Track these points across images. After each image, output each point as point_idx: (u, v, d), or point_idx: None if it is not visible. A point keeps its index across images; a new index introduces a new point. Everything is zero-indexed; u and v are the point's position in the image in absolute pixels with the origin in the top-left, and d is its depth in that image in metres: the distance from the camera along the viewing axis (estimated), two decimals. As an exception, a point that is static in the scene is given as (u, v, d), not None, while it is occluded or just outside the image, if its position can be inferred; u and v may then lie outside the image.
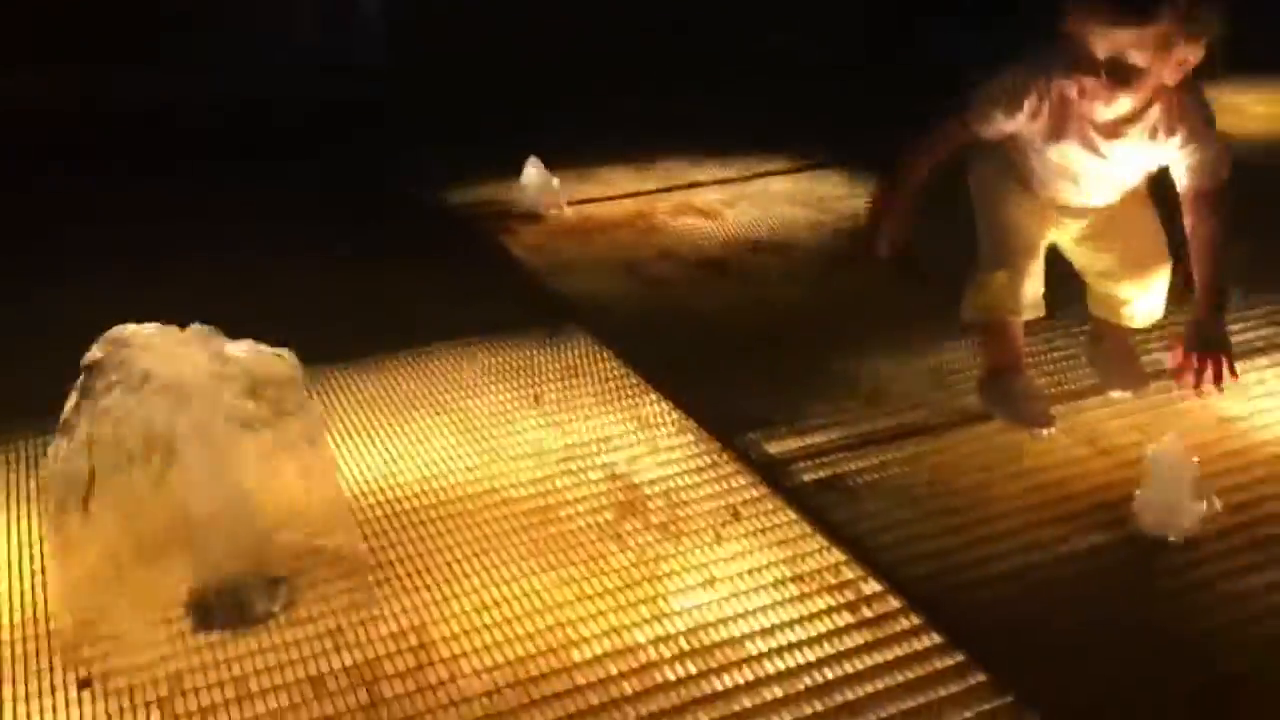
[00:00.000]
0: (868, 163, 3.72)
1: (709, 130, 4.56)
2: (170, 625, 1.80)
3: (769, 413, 2.40)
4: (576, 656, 1.74)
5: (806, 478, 2.20)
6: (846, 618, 1.81)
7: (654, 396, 2.50)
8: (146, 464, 1.73)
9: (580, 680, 1.69)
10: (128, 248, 3.45)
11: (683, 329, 2.88)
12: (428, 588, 1.90)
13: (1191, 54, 1.99)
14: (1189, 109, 2.08)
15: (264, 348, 1.81)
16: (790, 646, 1.75)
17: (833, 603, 1.84)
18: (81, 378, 1.75)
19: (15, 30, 5.48)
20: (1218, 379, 2.15)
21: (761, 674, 1.69)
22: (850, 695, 1.65)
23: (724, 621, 1.80)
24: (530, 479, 2.21)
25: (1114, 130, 2.11)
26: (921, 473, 2.20)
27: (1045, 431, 2.29)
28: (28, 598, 1.90)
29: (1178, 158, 2.13)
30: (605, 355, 2.71)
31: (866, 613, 1.81)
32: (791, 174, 4.07)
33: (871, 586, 1.87)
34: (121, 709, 1.66)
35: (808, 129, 4.52)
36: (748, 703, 1.64)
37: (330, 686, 1.69)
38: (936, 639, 1.75)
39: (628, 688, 1.68)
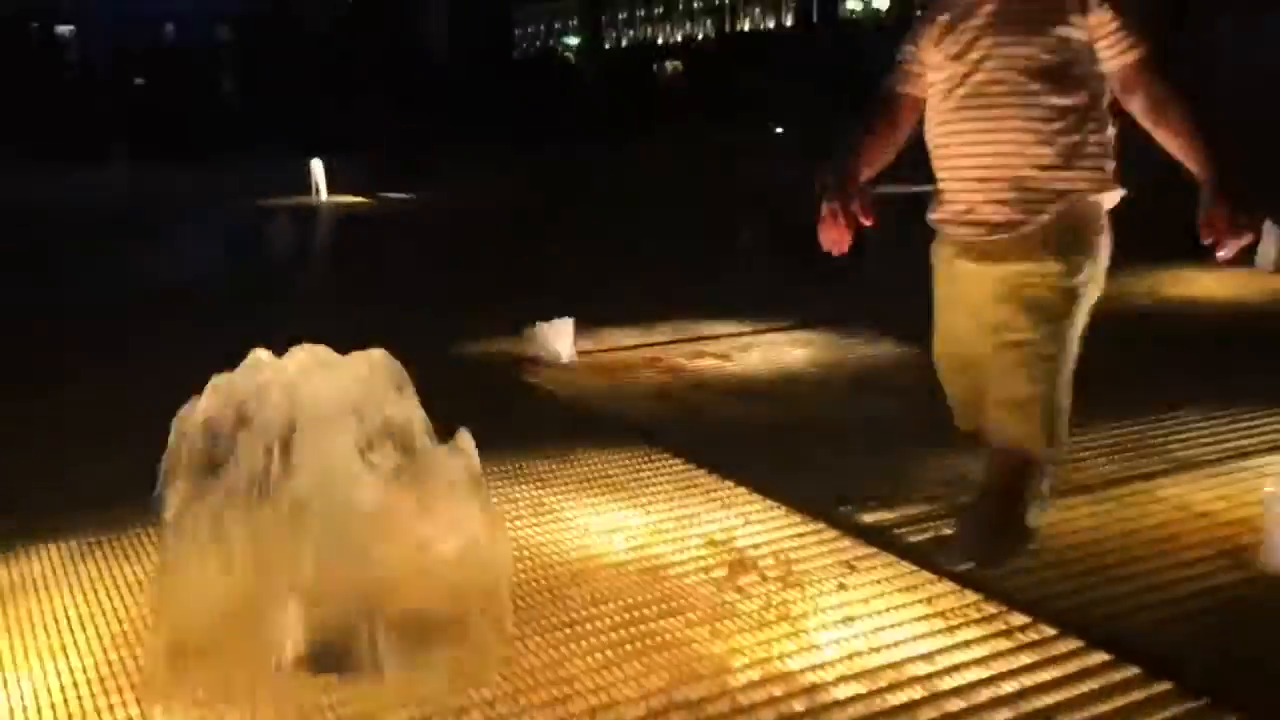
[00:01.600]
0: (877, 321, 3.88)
1: (715, 294, 4.66)
2: (290, 668, 1.64)
3: (852, 492, 2.36)
4: (733, 682, 1.63)
5: (914, 539, 2.14)
6: (1004, 643, 1.74)
7: (729, 484, 2.45)
8: (274, 508, 1.63)
9: (744, 701, 1.58)
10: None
11: (735, 438, 2.85)
12: (556, 629, 1.78)
13: None
14: None
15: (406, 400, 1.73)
16: (955, 667, 1.66)
17: (984, 632, 1.77)
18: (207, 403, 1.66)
19: None
20: (1251, 232, 1.83)
21: (936, 689, 1.60)
22: (1036, 704, 1.56)
23: (876, 650, 1.72)
24: (628, 548, 2.13)
25: (990, 4, 1.94)
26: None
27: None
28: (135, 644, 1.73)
29: (1089, 36, 1.90)
30: (663, 456, 2.66)
31: (1023, 638, 1.74)
32: (798, 330, 4.13)
33: (1018, 618, 1.81)
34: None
35: (811, 292, 4.63)
36: (933, 712, 1.54)
37: (475, 718, 1.55)
38: (1104, 657, 1.68)
39: (798, 706, 1.57)
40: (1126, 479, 2.46)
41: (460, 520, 1.67)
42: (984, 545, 1.98)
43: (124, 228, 8.65)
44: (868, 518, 2.24)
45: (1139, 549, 2.09)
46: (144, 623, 1.82)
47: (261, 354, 1.69)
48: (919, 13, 2.07)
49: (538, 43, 41.41)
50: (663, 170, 12.78)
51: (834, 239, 1.99)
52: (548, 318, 3.73)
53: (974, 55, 1.94)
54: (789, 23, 36.51)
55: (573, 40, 39.58)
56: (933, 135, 2.04)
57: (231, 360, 1.69)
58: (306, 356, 1.68)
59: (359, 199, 10.17)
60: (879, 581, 1.95)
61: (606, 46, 36.27)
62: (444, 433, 1.74)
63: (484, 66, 20.28)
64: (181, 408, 1.67)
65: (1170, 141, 1.88)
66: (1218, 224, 1.80)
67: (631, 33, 40.34)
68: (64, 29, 28.91)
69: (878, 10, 31.84)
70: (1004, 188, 1.93)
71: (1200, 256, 2.17)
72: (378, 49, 21.26)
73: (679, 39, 39.57)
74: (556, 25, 41.55)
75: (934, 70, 2.01)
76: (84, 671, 1.71)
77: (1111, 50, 1.89)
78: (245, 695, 1.58)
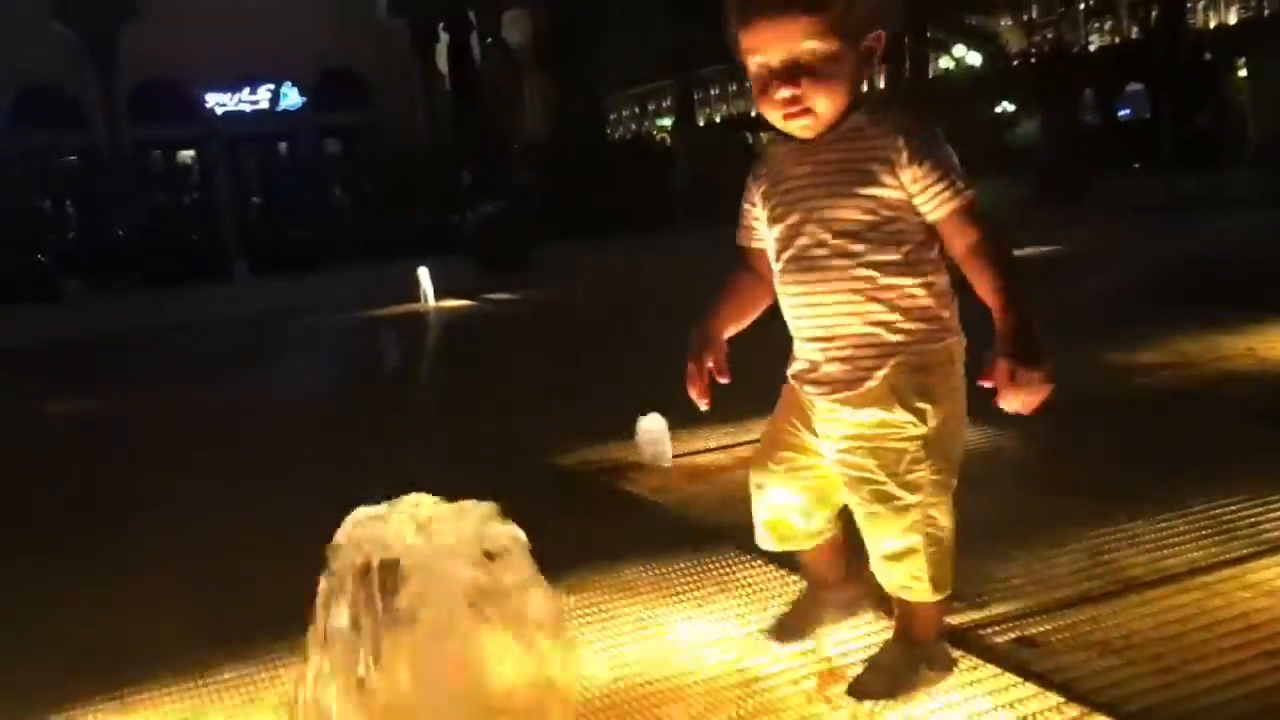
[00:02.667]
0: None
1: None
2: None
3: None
4: (824, 797, 1.73)
5: (998, 639, 2.22)
6: (1084, 747, 1.80)
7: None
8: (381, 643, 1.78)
9: (832, 816, 1.68)
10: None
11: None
12: (656, 750, 1.91)
13: (878, 40, 1.88)
14: (892, 116, 1.91)
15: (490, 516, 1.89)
16: (1036, 773, 1.74)
17: (1064, 736, 1.84)
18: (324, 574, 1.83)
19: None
20: (1040, 390, 1.82)
21: (1019, 796, 1.68)
22: (1113, 809, 1.63)
23: (960, 758, 1.80)
24: (724, 660, 2.24)
25: (804, 158, 1.95)
26: (1111, 629, 2.23)
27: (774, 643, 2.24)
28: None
29: (905, 182, 1.89)
30: (756, 563, 2.77)
31: (1102, 741, 1.81)
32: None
33: (1100, 720, 1.87)
34: None
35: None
36: (1016, 821, 1.62)
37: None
38: (1181, 758, 1.74)
39: (883, 819, 1.66)
40: (1214, 565, 2.49)
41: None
42: (885, 687, 2.01)
43: (244, 344, 9.12)
44: (953, 619, 2.32)
45: (1223, 640, 2.13)
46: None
47: (371, 510, 1.85)
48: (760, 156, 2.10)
49: (633, 125, 42.22)
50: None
51: (695, 394, 2.09)
52: (645, 417, 3.88)
53: (792, 220, 1.97)
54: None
55: (665, 121, 40.26)
56: (777, 293, 2.07)
57: (340, 490, 1.87)
58: (416, 512, 1.84)
59: (464, 302, 10.54)
60: (964, 686, 2.03)
61: (701, 123, 36.74)
62: (543, 543, 1.87)
63: (582, 157, 20.76)
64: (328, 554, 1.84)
65: (979, 287, 1.90)
66: (998, 378, 1.82)
67: (725, 107, 40.85)
68: (185, 154, 30.47)
69: (971, 66, 31.75)
70: (842, 346, 1.96)
71: None
72: (479, 149, 21.99)
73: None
74: (650, 107, 42.36)
75: (764, 230, 2.05)
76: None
77: (930, 204, 1.90)
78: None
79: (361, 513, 1.88)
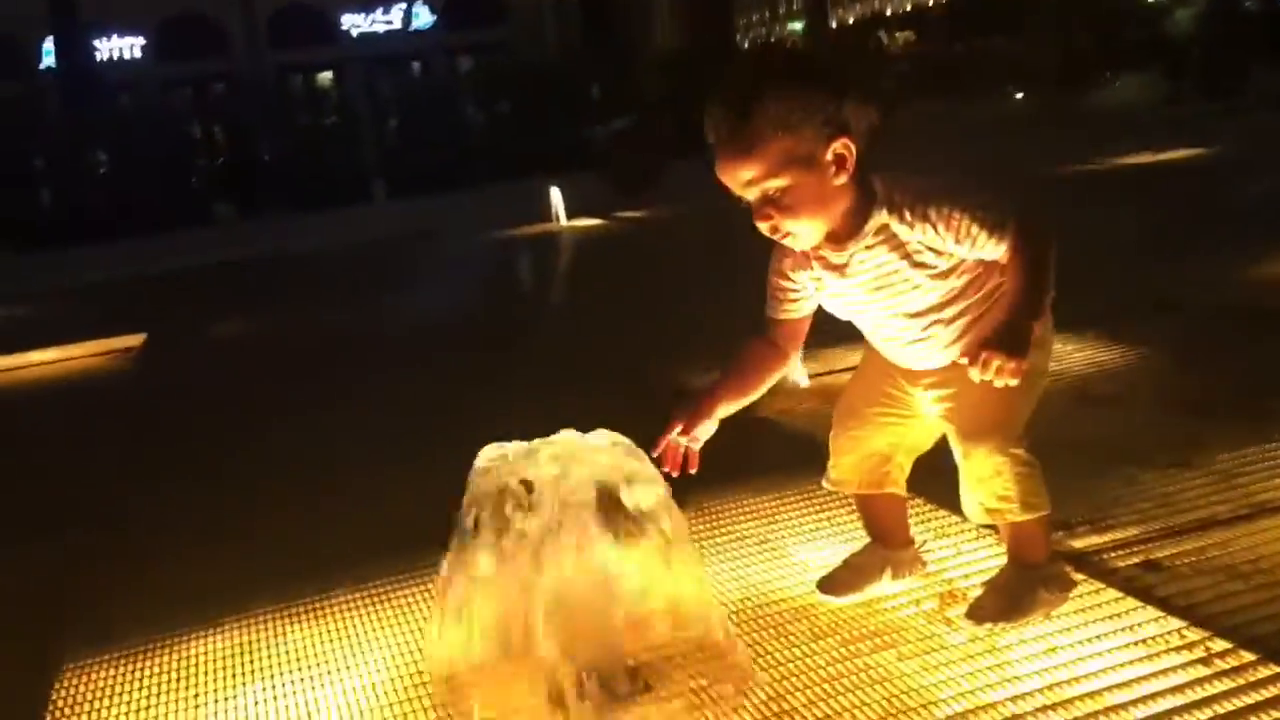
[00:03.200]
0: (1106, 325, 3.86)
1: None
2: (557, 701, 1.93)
3: (1065, 516, 2.46)
4: (939, 713, 1.81)
5: (1120, 564, 2.24)
6: (1201, 670, 1.83)
7: (943, 512, 2.59)
8: (526, 559, 1.91)
9: (949, 731, 1.76)
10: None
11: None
12: (781, 664, 2.01)
13: (844, 148, 1.84)
14: (911, 200, 1.89)
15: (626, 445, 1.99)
16: (1153, 695, 1.78)
17: (1183, 660, 1.87)
18: (470, 491, 1.96)
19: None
20: (1003, 375, 1.77)
21: (1134, 718, 1.73)
22: (1227, 732, 1.67)
23: (1077, 679, 1.85)
24: (846, 580, 2.32)
25: (841, 264, 1.96)
26: (1239, 554, 2.22)
27: (826, 598, 2.22)
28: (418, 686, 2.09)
29: (957, 253, 1.91)
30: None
31: (1221, 665, 1.84)
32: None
33: (1220, 644, 1.90)
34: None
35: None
36: (1123, 741, 1.68)
37: (708, 746, 1.80)
38: (1302, 683, 1.76)
39: (997, 736, 1.73)
40: (1348, 490, 2.45)
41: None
42: (1002, 610, 2.04)
43: (383, 268, 9.43)
44: (1076, 543, 2.35)
45: (1354, 567, 2.11)
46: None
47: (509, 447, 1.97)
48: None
49: (763, 29, 41.38)
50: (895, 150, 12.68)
51: (665, 461, 2.00)
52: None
53: (865, 319, 2.06)
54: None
55: (797, 25, 39.31)
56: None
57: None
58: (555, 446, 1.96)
59: (595, 221, 10.65)
60: (1084, 610, 2.07)
61: (834, 24, 35.71)
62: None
63: (713, 67, 20.52)
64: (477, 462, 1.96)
65: (1008, 280, 1.91)
66: (978, 354, 1.78)
67: (858, 7, 39.67)
68: (324, 77, 31.12)
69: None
70: (939, 367, 2.06)
71: None
72: (609, 63, 21.92)
73: (908, 8, 38.74)
74: (781, 10, 41.45)
75: (808, 305, 2.08)
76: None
77: (985, 253, 1.91)
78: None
79: (500, 447, 2.00)
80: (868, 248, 1.94)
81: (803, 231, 1.90)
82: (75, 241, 16.20)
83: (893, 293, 1.97)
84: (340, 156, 20.79)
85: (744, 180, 1.85)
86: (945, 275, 1.95)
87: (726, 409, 2.04)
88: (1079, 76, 19.58)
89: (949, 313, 1.99)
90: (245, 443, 4.30)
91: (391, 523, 2.99)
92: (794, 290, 2.05)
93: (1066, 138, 12.66)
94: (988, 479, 1.97)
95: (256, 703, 2.14)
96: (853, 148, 1.84)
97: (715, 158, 1.86)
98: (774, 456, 3.17)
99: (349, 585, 2.59)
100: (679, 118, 18.69)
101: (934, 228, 1.89)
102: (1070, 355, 3.80)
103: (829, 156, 1.84)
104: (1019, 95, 21.08)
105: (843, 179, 1.86)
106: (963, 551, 2.39)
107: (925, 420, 2.13)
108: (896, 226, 1.91)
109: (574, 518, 1.91)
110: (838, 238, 1.94)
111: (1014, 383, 1.76)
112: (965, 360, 1.80)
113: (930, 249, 1.92)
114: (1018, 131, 14.87)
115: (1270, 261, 4.89)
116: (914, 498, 2.67)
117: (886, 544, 2.27)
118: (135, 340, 6.87)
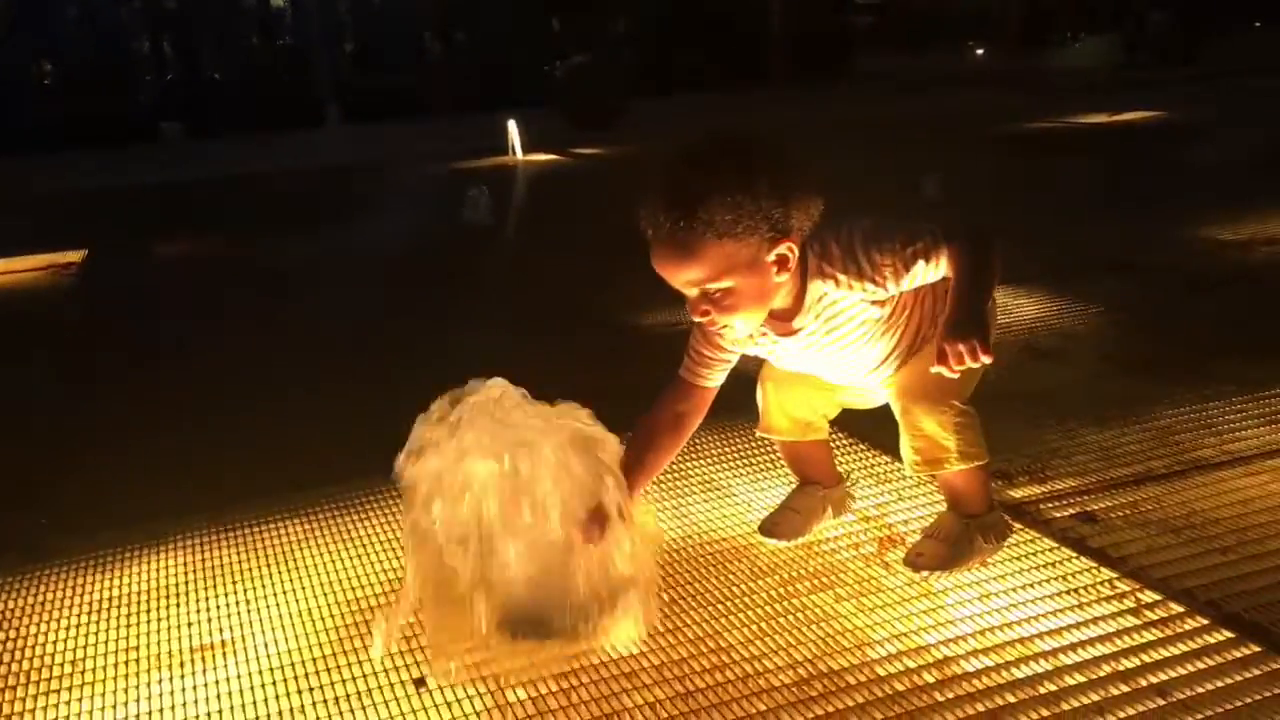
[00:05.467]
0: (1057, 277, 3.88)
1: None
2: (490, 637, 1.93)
3: (1002, 466, 2.48)
4: (872, 654, 1.83)
5: (1057, 515, 2.27)
6: (1131, 620, 1.87)
7: (886, 458, 2.61)
8: (471, 501, 1.88)
9: (881, 672, 1.78)
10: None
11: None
12: (719, 601, 2.02)
13: (787, 250, 1.79)
14: (843, 264, 1.87)
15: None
16: (1082, 643, 1.81)
17: (1113, 609, 1.90)
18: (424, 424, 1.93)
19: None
20: (972, 357, 1.74)
21: (1059, 664, 1.76)
22: (1153, 679, 1.70)
23: (1009, 625, 1.88)
24: (787, 522, 2.33)
25: (787, 334, 1.97)
26: (1172, 509, 2.26)
27: (773, 541, 2.24)
28: (369, 613, 2.07)
29: (901, 291, 1.92)
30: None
31: (1150, 615, 1.87)
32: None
33: (1149, 595, 1.93)
34: (454, 699, 1.79)
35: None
36: (1052, 686, 1.71)
37: (644, 680, 1.81)
38: (1227, 634, 1.79)
39: (929, 677, 1.76)
40: (1284, 449, 2.50)
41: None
42: (939, 557, 2.07)
43: (334, 196, 9.27)
44: (1015, 493, 2.38)
45: (1282, 524, 2.16)
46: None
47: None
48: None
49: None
50: (857, 110, 12.67)
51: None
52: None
53: (806, 369, 2.08)
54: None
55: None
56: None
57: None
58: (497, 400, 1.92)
59: (552, 156, 10.53)
60: (1019, 558, 2.10)
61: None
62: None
63: (677, 5, 20.31)
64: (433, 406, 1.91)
65: (951, 277, 1.87)
66: (943, 353, 1.76)
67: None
68: (278, -3, 30.30)
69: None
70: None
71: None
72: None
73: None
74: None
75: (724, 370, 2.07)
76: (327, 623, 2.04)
77: (926, 279, 1.89)
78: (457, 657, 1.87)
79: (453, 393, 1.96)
80: (816, 317, 1.94)
81: (740, 325, 1.88)
82: (17, 153, 15.76)
83: (846, 345, 1.99)
84: (293, 79, 20.35)
85: (683, 280, 1.80)
86: (893, 314, 1.97)
87: (639, 494, 2.01)
88: (1040, 36, 19.62)
89: (903, 345, 2.01)
90: (182, 362, 4.23)
91: (321, 450, 2.96)
92: (726, 360, 2.04)
93: (1024, 95, 12.69)
94: (927, 430, 1.98)
95: (190, 624, 2.11)
96: (796, 250, 1.81)
97: (653, 251, 1.79)
98: (719, 397, 3.16)
99: (285, 508, 2.57)
100: (640, 55, 18.55)
101: (871, 282, 1.88)
102: (1020, 309, 3.83)
103: (771, 258, 1.80)
104: (980, 51, 21.06)
105: (784, 277, 1.84)
106: (904, 497, 2.41)
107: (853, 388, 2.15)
108: (835, 293, 1.90)
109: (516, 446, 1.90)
110: (780, 317, 1.94)
111: (987, 360, 1.75)
112: (935, 369, 1.79)
113: (874, 302, 1.92)
114: (978, 86, 14.88)
115: (1218, 224, 4.96)
116: (857, 442, 2.70)
117: (822, 484, 2.29)
118: (75, 256, 6.72)
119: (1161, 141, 8.68)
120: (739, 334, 1.93)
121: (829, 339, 1.97)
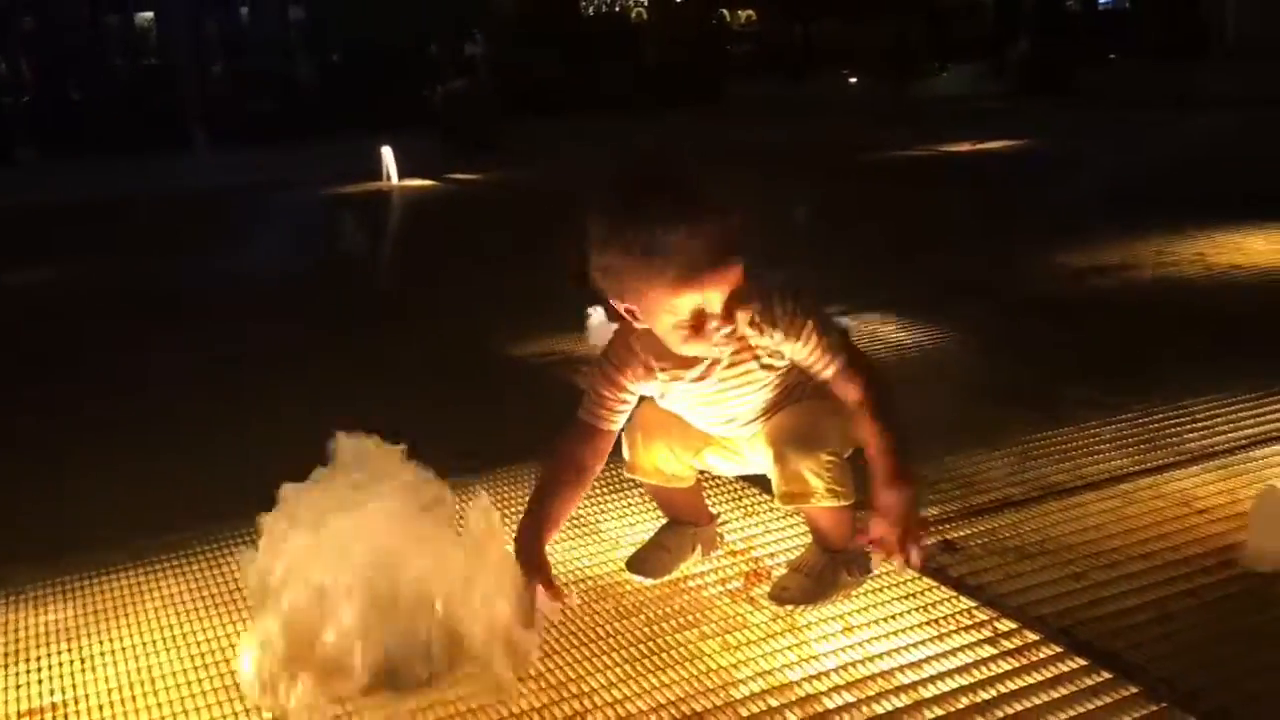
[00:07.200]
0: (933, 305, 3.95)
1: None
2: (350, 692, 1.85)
3: (865, 499, 2.49)
4: (737, 694, 1.81)
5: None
6: (988, 650, 1.89)
7: (754, 490, 2.60)
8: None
9: (745, 712, 1.76)
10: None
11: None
12: (584, 644, 1.98)
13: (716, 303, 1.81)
14: (759, 309, 1.90)
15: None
16: (940, 675, 1.82)
17: (971, 639, 1.92)
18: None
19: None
20: (906, 558, 1.91)
21: (919, 697, 1.77)
22: (1009, 710, 1.72)
23: (871, 659, 1.88)
24: (653, 558, 2.30)
25: (696, 377, 1.99)
26: (1029, 535, 2.31)
27: (639, 578, 2.22)
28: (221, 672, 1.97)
29: (790, 354, 1.96)
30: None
31: (1006, 645, 1.90)
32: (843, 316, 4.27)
33: (1006, 624, 1.96)
34: (305, 756, 1.72)
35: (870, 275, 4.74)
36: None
37: (504, 730, 1.76)
38: (1080, 662, 1.82)
39: (792, 716, 1.75)
40: (1135, 473, 2.57)
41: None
42: (805, 591, 2.08)
43: (201, 221, 9.00)
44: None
45: (1133, 549, 2.21)
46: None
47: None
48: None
49: (604, 4, 41.17)
50: (729, 135, 12.83)
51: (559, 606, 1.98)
52: (596, 309, 3.89)
53: (706, 413, 2.08)
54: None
55: (641, -3, 39.18)
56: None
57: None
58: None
59: (428, 182, 10.41)
60: (882, 589, 2.11)
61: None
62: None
63: (550, 31, 20.38)
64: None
65: (861, 430, 1.96)
66: (887, 547, 1.92)
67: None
68: (144, 16, 29.48)
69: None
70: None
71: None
72: (446, 21, 21.46)
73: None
74: (625, -19, 41.31)
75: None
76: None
77: (814, 368, 1.96)
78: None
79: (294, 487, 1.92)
80: (729, 365, 1.96)
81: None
82: None
83: (739, 393, 2.01)
84: (157, 101, 19.75)
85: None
86: (784, 374, 2.00)
87: (549, 541, 2.06)
88: (909, 65, 20.17)
89: (784, 398, 2.04)
90: (30, 398, 4.02)
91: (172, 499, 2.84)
92: (627, 401, 2.04)
93: (892, 124, 13.01)
94: (797, 469, 1.98)
95: (20, 685, 1.99)
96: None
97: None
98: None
99: (125, 557, 2.45)
100: (516, 81, 18.52)
101: (781, 333, 1.92)
102: (880, 336, 3.90)
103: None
104: (852, 80, 21.56)
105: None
106: (771, 530, 2.41)
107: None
108: (750, 331, 1.92)
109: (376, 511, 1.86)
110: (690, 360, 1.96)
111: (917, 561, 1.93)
112: (870, 547, 1.92)
113: (776, 352, 1.95)
114: (848, 114, 15.22)
115: (1076, 252, 5.13)
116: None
117: (694, 523, 2.27)
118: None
119: (1023, 169, 8.98)
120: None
121: (730, 384, 1.99)
